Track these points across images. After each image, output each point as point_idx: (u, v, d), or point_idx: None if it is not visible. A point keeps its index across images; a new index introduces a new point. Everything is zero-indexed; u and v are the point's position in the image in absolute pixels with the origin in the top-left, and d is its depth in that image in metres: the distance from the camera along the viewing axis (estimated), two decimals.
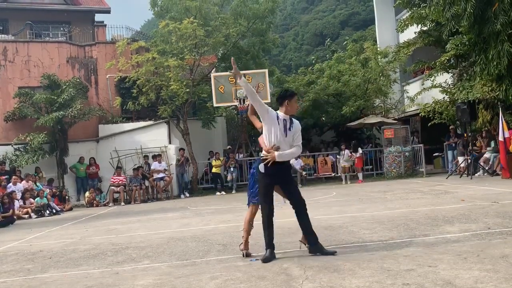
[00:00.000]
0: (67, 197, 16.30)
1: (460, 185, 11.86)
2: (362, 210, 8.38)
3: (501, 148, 12.68)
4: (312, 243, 4.99)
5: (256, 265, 4.69)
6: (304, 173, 17.61)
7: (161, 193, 16.66)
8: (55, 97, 16.79)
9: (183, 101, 17.13)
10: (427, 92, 17.49)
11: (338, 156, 17.65)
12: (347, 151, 17.21)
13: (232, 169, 17.31)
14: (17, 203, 13.37)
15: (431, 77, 16.86)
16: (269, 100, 15.60)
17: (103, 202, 16.28)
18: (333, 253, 4.86)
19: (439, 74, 16.70)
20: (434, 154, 19.23)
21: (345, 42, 30.31)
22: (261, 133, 5.22)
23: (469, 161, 13.98)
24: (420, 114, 17.62)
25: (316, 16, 61.38)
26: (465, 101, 14.28)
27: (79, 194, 17.38)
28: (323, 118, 22.38)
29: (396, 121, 20.08)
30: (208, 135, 19.53)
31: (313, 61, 27.95)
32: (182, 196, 16.81)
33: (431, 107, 16.47)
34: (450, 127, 16.63)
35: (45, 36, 20.58)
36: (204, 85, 17.95)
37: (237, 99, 17.13)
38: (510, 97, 12.31)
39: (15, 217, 12.46)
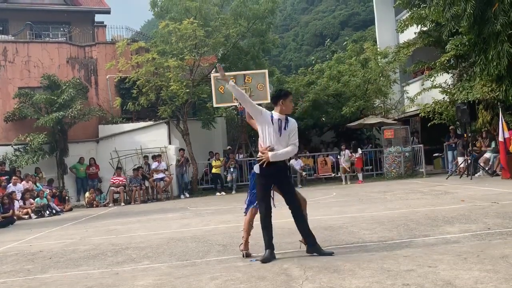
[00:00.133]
0: (67, 197, 16.29)
1: (460, 185, 11.86)
2: (362, 211, 8.38)
3: (501, 149, 12.69)
4: (311, 243, 4.99)
5: (256, 266, 4.69)
6: (304, 173, 17.62)
7: (161, 194, 16.66)
8: (55, 98, 16.79)
9: (183, 102, 17.13)
10: (427, 92, 17.50)
11: (339, 157, 17.66)
12: (347, 151, 17.23)
13: (232, 169, 17.31)
14: (17, 204, 13.37)
15: (431, 78, 16.87)
16: (269, 101, 15.59)
17: (103, 202, 16.28)
18: (330, 254, 4.86)
19: (439, 74, 16.71)
20: (434, 155, 19.23)
21: (345, 43, 30.33)
22: None
23: (469, 161, 13.98)
24: (420, 115, 17.63)
25: (316, 17, 61.41)
26: (465, 101, 14.29)
27: (79, 194, 17.38)
28: (323, 119, 22.37)
29: (396, 122, 20.09)
30: (208, 135, 19.53)
31: (313, 62, 27.95)
32: (182, 196, 16.80)
33: (431, 107, 16.48)
34: (450, 128, 16.63)
35: (45, 37, 20.59)
36: (204, 86, 17.95)
37: (237, 100, 17.10)
38: (510, 98, 12.32)
39: (15, 217, 12.45)
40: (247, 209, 5.32)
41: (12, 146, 16.59)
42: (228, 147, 21.09)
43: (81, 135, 17.85)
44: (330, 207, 9.52)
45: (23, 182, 14.73)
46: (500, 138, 12.72)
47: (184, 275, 4.55)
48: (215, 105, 17.48)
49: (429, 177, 16.02)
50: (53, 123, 16.32)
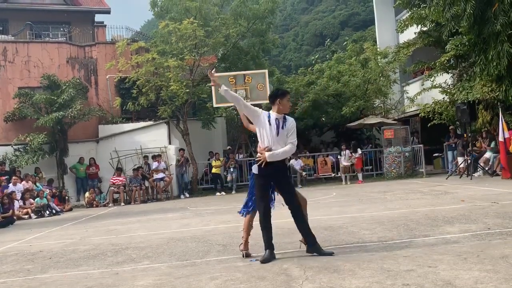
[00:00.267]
0: (67, 197, 16.29)
1: (460, 185, 11.86)
2: (362, 211, 8.37)
3: (501, 149, 12.69)
4: (311, 243, 4.98)
5: (256, 266, 4.69)
6: (304, 173, 17.62)
7: (161, 194, 16.66)
8: (55, 98, 16.80)
9: (183, 102, 17.12)
10: (427, 92, 17.49)
11: (339, 156, 17.66)
12: (347, 151, 17.24)
13: (232, 169, 17.31)
14: (17, 204, 13.37)
15: (431, 78, 16.87)
16: (268, 101, 15.54)
17: (103, 202, 16.28)
18: (330, 254, 4.85)
19: (439, 74, 16.71)
20: (434, 155, 19.23)
21: (345, 43, 30.31)
22: None
23: (468, 161, 13.98)
24: (420, 115, 17.63)
25: (316, 17, 61.41)
26: (465, 101, 14.28)
27: (79, 194, 17.38)
28: (323, 119, 22.37)
29: (396, 122, 20.09)
30: (208, 135, 19.53)
31: (313, 62, 27.94)
32: (182, 196, 16.80)
33: (431, 107, 16.48)
34: (450, 128, 16.63)
35: (45, 37, 20.58)
36: (204, 86, 17.94)
37: None
38: (510, 98, 12.31)
39: (15, 217, 12.46)
40: (242, 210, 5.33)
41: (12, 146, 16.59)
42: (228, 147, 21.09)
43: (81, 135, 17.85)
44: (330, 207, 9.52)
45: (23, 182, 14.73)
46: (500, 138, 12.72)
47: (184, 275, 4.55)
48: (215, 105, 17.40)
49: (429, 177, 16.02)
50: (53, 123, 16.32)
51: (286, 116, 5.11)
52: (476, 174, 14.04)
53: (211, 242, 6.37)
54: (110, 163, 17.46)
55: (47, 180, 16.33)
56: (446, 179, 14.08)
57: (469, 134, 14.76)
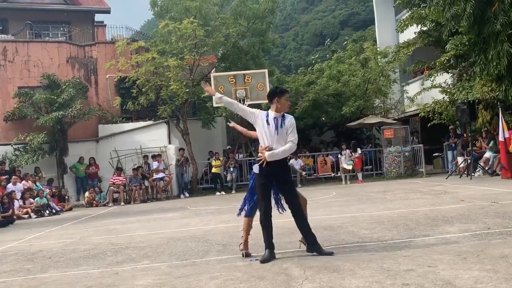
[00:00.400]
0: (66, 197, 16.30)
1: (459, 185, 11.86)
2: (362, 210, 8.38)
3: (501, 148, 12.69)
4: (311, 243, 4.98)
5: (255, 265, 4.69)
6: (303, 173, 17.61)
7: (161, 193, 16.66)
8: (55, 97, 16.80)
9: (182, 101, 17.13)
10: (426, 92, 17.49)
11: (339, 156, 17.66)
12: (348, 151, 17.24)
13: (231, 169, 17.31)
14: (16, 203, 13.37)
15: (430, 77, 16.86)
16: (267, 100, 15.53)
17: (103, 202, 16.28)
18: (330, 254, 4.85)
19: (438, 74, 16.70)
20: (433, 154, 19.22)
21: (345, 42, 30.31)
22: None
23: (468, 161, 13.98)
24: (419, 114, 17.63)
25: (316, 16, 61.40)
26: (465, 101, 14.28)
27: (78, 194, 17.38)
28: (323, 118, 22.36)
29: (395, 121, 20.08)
30: (208, 135, 19.53)
31: (313, 61, 27.92)
32: (182, 196, 16.80)
33: (431, 107, 16.47)
34: (449, 127, 16.63)
35: (45, 36, 20.58)
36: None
37: (236, 99, 17.12)
38: (510, 97, 12.31)
39: (14, 217, 12.46)
40: (240, 211, 5.34)
41: (12, 146, 16.59)
42: (228, 146, 21.08)
43: (81, 134, 17.85)
44: (330, 206, 9.52)
45: (23, 182, 14.73)
46: (500, 138, 12.71)
47: (183, 274, 4.55)
48: (215, 104, 17.44)
49: (428, 177, 16.01)
50: (53, 122, 16.32)
51: (285, 114, 5.09)
52: (476, 174, 14.04)
53: (211, 241, 6.37)
54: (110, 162, 17.46)
55: (47, 179, 16.34)
56: (446, 179, 14.08)
57: (469, 134, 14.76)
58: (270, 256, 4.84)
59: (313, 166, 18.86)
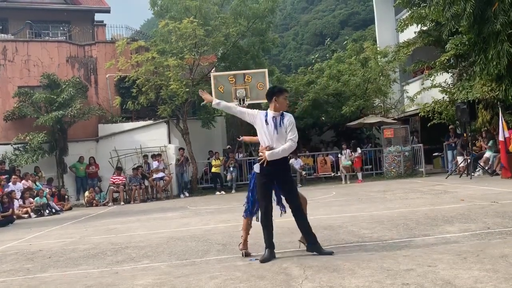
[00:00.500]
0: (66, 196, 16.30)
1: (459, 185, 11.86)
2: (362, 210, 8.38)
3: (501, 148, 12.69)
4: (311, 242, 4.98)
5: (255, 265, 4.69)
6: (303, 172, 17.61)
7: (161, 193, 16.66)
8: (55, 97, 16.79)
9: (182, 101, 17.13)
10: (426, 92, 17.48)
11: (339, 156, 17.67)
12: (348, 151, 17.25)
13: (231, 168, 17.31)
14: (16, 203, 13.37)
15: (430, 77, 16.85)
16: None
17: (103, 201, 16.28)
18: (330, 253, 4.85)
19: (438, 74, 16.69)
20: (433, 154, 19.23)
21: (345, 42, 30.30)
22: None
23: (468, 161, 13.98)
24: (419, 114, 17.63)
25: (315, 16, 61.38)
26: (465, 101, 14.28)
27: (78, 193, 17.38)
28: (323, 118, 22.37)
29: (395, 121, 20.08)
30: (207, 134, 19.53)
31: (313, 61, 27.91)
32: (182, 195, 16.81)
33: (431, 107, 16.47)
34: (449, 127, 16.63)
35: (45, 36, 20.56)
36: (203, 85, 17.94)
37: (236, 99, 17.12)
38: (510, 97, 12.30)
39: (14, 216, 12.46)
40: (244, 214, 5.33)
41: (11, 145, 16.59)
42: (228, 146, 21.09)
43: (80, 134, 17.85)
44: (329, 206, 9.52)
45: (23, 181, 14.73)
46: (500, 138, 12.71)
47: (183, 274, 4.55)
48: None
49: (428, 177, 16.01)
50: (53, 122, 16.32)
51: (284, 113, 5.08)
52: (475, 174, 14.04)
53: (210, 241, 6.37)
54: (109, 162, 17.46)
55: (47, 179, 16.33)
56: (446, 178, 14.08)
57: (469, 134, 14.76)
58: (270, 256, 4.84)
59: (313, 165, 18.86)
